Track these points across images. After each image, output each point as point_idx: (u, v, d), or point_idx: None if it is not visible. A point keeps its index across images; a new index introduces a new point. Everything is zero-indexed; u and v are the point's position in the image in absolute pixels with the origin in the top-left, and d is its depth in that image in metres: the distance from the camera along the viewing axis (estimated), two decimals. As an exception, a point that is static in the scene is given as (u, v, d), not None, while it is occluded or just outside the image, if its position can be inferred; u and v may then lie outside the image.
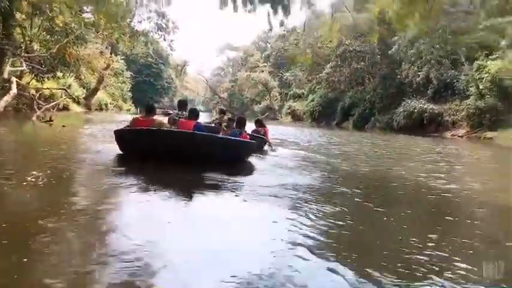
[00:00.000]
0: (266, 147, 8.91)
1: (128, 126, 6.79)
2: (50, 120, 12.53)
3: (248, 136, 7.34)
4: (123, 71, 42.92)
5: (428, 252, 2.71)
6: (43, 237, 2.56)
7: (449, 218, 3.93)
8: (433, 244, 2.91)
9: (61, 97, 19.04)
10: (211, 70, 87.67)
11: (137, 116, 8.02)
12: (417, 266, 2.45)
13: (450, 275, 2.35)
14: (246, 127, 7.70)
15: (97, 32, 17.75)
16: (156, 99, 62.35)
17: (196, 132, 5.93)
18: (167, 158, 5.44)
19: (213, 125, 8.95)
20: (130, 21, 15.58)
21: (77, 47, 17.47)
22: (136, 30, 16.05)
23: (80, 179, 4.78)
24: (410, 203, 4.71)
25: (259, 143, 8.03)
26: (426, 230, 3.43)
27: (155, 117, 6.82)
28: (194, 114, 6.67)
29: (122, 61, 39.02)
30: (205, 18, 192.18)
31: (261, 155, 7.96)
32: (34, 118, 12.85)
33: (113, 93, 40.31)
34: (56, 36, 16.27)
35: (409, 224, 3.60)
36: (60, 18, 14.75)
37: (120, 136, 6.38)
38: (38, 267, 2.16)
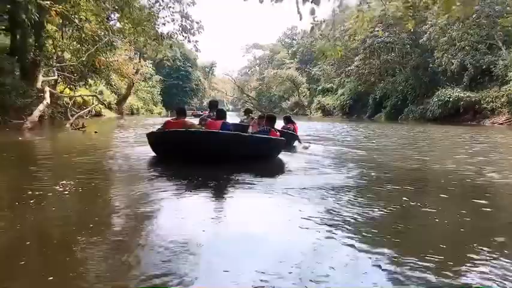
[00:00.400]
0: (296, 144, 8.77)
1: (160, 128, 6.96)
2: (83, 127, 12.72)
3: (278, 133, 7.23)
4: (152, 75, 43.64)
5: (492, 258, 2.42)
6: (83, 246, 2.49)
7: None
8: (496, 249, 2.58)
9: (92, 103, 19.43)
10: (239, 70, 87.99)
11: (169, 118, 8.20)
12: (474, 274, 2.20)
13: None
14: (275, 124, 7.65)
15: (124, 38, 17.97)
16: (186, 101, 63.26)
17: (221, 131, 5.98)
18: (197, 158, 5.46)
19: (244, 123, 8.91)
20: (155, 24, 15.71)
21: (106, 53, 17.78)
22: (161, 33, 16.18)
23: (115, 184, 4.70)
24: (466, 202, 4.27)
25: (289, 139, 7.99)
26: (487, 233, 3.08)
27: (186, 119, 6.94)
28: (221, 114, 6.85)
29: (151, 65, 39.57)
30: (230, 19, 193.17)
31: (291, 152, 7.86)
32: (68, 125, 13.10)
33: (144, 98, 41.05)
34: (85, 45, 16.60)
35: (468, 229, 3.23)
36: (88, 26, 15.00)
37: (153, 139, 6.56)
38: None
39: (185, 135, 5.89)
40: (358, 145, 10.30)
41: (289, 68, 64.81)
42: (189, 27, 17.17)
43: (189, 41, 18.05)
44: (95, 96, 19.86)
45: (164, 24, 16.46)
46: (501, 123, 25.42)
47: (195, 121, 7.91)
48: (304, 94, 63.34)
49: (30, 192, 3.74)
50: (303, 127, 18.09)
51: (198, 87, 70.59)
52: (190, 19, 17.12)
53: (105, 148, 8.61)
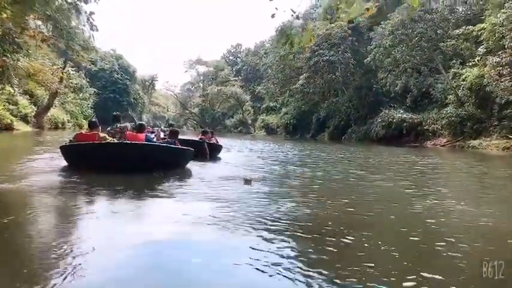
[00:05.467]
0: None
1: (71, 140, 6.99)
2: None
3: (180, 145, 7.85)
4: (83, 87, 39.79)
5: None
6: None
7: None
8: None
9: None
10: (181, 85, 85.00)
11: (80, 131, 8.59)
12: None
13: None
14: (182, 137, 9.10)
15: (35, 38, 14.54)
16: (123, 116, 59.38)
17: (148, 143, 6.68)
18: (128, 168, 5.79)
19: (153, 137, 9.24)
20: None
21: (9, 54, 14.66)
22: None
23: None
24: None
25: (215, 150, 10.42)
26: None
27: (99, 131, 6.92)
28: (141, 128, 7.21)
29: (75, 74, 35.74)
30: (171, 33, 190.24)
31: (215, 161, 9.38)
32: None
33: (72, 111, 37.12)
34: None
35: None
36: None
37: (67, 151, 6.77)
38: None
39: (120, 148, 6.24)
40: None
41: (234, 85, 63.52)
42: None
43: (78, 12, 12.58)
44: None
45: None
46: (443, 145, 25.33)
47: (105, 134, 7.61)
48: (248, 112, 62.25)
49: None
50: (243, 146, 16.33)
51: (137, 102, 67.00)
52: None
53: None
